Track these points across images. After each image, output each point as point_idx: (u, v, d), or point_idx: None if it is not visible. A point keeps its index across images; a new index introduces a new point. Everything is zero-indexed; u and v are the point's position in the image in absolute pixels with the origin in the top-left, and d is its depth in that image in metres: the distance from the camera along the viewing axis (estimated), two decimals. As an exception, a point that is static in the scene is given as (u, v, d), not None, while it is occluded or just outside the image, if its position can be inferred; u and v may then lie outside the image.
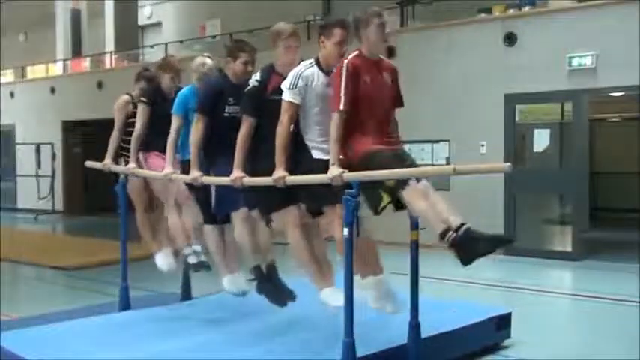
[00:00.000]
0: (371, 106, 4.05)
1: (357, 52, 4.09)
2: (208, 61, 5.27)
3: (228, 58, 4.78)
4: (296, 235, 4.33)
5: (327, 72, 4.17)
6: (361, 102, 4.01)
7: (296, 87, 4.12)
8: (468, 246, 3.74)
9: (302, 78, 4.13)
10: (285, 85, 4.17)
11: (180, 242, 5.42)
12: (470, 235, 3.76)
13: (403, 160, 3.99)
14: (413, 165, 4.03)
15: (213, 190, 4.83)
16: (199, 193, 4.97)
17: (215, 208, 4.86)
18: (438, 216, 3.82)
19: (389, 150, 4.01)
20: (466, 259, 3.76)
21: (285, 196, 4.24)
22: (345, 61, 4.00)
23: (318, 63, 4.20)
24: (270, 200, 4.35)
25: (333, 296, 4.20)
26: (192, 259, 5.34)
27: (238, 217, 4.71)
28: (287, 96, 4.14)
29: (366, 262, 4.19)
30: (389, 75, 4.20)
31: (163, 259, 5.77)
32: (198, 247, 5.32)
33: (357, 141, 4.02)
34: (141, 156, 5.58)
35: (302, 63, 4.23)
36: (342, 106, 3.93)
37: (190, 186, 4.98)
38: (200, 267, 5.35)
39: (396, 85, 4.25)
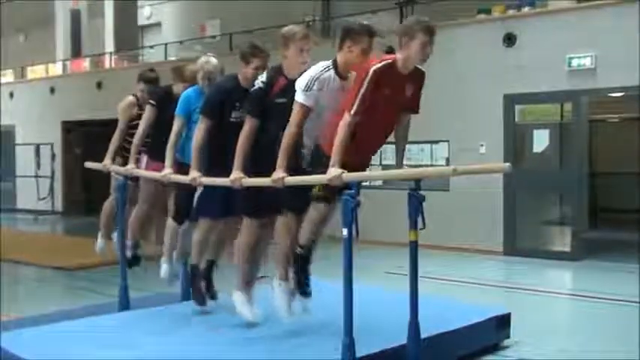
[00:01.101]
0: (374, 119, 3.97)
1: (390, 61, 3.92)
2: (213, 59, 5.20)
3: (241, 61, 4.70)
4: (248, 237, 4.65)
5: (343, 77, 4.10)
6: (368, 112, 3.91)
7: (310, 90, 4.04)
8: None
9: (318, 82, 4.05)
10: (299, 85, 4.09)
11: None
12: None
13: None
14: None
15: (197, 195, 5.04)
16: (181, 194, 5.20)
17: (195, 210, 5.11)
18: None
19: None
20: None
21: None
22: (373, 69, 3.85)
23: (335, 66, 4.12)
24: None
25: (243, 304, 4.78)
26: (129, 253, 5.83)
27: (206, 224, 5.02)
28: (300, 97, 4.07)
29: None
30: (412, 85, 4.05)
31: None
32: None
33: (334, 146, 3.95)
34: (144, 160, 5.58)
35: (319, 64, 4.15)
36: (354, 111, 3.85)
37: (179, 185, 5.13)
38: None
39: (417, 93, 4.12)
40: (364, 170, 4.20)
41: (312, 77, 4.07)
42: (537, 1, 10.36)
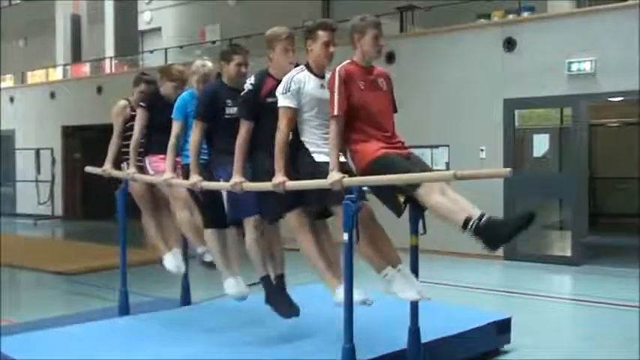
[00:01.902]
0: (370, 111, 4.07)
1: (349, 61, 4.14)
2: (208, 63, 5.30)
3: (222, 62, 4.84)
4: (303, 236, 4.31)
5: (318, 75, 4.21)
6: (360, 107, 4.04)
7: (289, 91, 4.15)
8: (493, 231, 3.70)
9: (294, 82, 4.16)
10: (279, 91, 4.20)
11: (193, 240, 5.40)
12: (493, 221, 3.73)
13: (412, 162, 4.02)
14: (422, 166, 4.07)
15: (224, 194, 4.73)
16: (200, 195, 4.94)
17: (229, 213, 4.74)
18: (459, 208, 3.82)
19: (396, 153, 4.02)
20: (493, 243, 3.74)
21: (290, 199, 4.24)
22: (337, 68, 4.05)
23: (308, 67, 4.24)
24: (277, 204, 4.35)
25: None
26: (207, 258, 5.28)
27: (250, 224, 4.60)
28: (282, 102, 4.17)
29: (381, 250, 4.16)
30: (383, 81, 4.25)
31: (172, 261, 5.70)
32: None
33: (362, 147, 4.04)
34: (146, 160, 5.58)
35: (293, 69, 4.27)
36: (336, 112, 3.97)
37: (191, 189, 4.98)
38: (214, 266, 5.26)
39: (391, 91, 4.29)
40: (406, 149, 4.19)
41: (287, 80, 4.19)
42: (537, 6, 10.39)
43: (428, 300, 4.14)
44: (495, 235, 3.70)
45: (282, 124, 4.14)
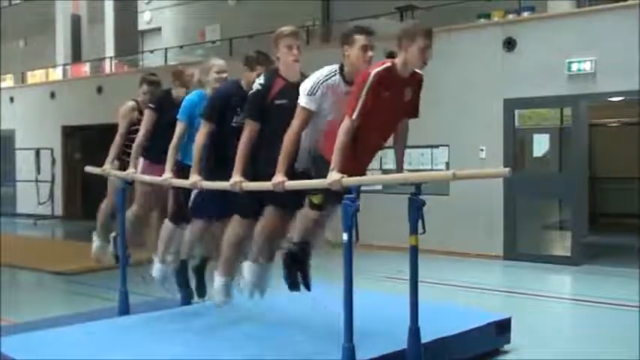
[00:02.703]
0: (375, 123, 3.97)
1: (389, 64, 3.93)
2: (221, 62, 5.17)
3: (245, 66, 4.73)
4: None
5: (349, 81, 4.08)
6: (368, 116, 3.91)
7: (314, 94, 4.05)
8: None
9: (323, 87, 4.06)
10: (304, 89, 4.09)
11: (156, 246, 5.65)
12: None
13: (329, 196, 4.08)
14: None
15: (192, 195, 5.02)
16: (179, 195, 5.17)
17: (192, 206, 5.07)
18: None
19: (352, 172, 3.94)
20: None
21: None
22: (373, 72, 3.86)
23: (342, 71, 4.12)
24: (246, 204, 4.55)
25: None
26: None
27: (199, 224, 5.10)
28: (303, 101, 4.07)
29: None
30: (411, 89, 4.07)
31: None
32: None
33: (334, 149, 3.95)
34: (140, 162, 5.58)
35: (325, 69, 4.15)
36: (354, 116, 3.86)
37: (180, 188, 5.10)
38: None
39: (415, 97, 4.13)
40: (363, 174, 4.18)
41: (317, 82, 4.07)
42: (537, 6, 10.39)
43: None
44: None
45: (296, 124, 4.07)
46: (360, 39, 4.05)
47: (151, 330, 5.08)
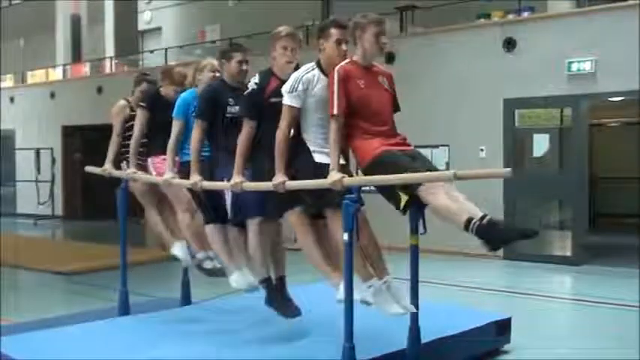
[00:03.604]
0: (371, 110, 4.04)
1: (348, 60, 4.09)
2: (215, 61, 5.20)
3: (222, 60, 4.84)
4: (303, 235, 4.29)
5: (328, 75, 4.13)
6: (360, 106, 4.01)
7: (296, 91, 4.10)
8: (494, 232, 3.68)
9: (302, 82, 4.11)
10: (285, 89, 4.15)
11: (193, 244, 5.41)
12: (495, 222, 3.71)
13: (415, 159, 3.98)
14: (426, 163, 4.01)
15: (228, 194, 4.68)
16: (200, 193, 4.91)
17: (231, 214, 4.72)
18: (461, 208, 3.79)
19: (398, 150, 4.00)
20: (493, 244, 3.72)
21: (289, 198, 4.22)
22: (336, 67, 4.01)
23: (319, 66, 4.18)
24: (277, 203, 4.35)
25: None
26: (207, 264, 5.32)
27: (252, 225, 4.58)
28: (287, 100, 4.13)
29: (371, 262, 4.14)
30: (385, 80, 4.21)
31: (180, 249, 5.62)
32: (212, 253, 5.29)
33: (363, 144, 4.01)
34: (149, 160, 5.58)
35: (303, 67, 4.22)
36: (335, 111, 3.94)
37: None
38: (214, 273, 5.33)
39: (392, 91, 4.25)
40: (410, 146, 4.15)
41: (295, 79, 4.13)
42: (537, 6, 10.39)
43: (414, 312, 4.15)
44: (496, 237, 3.68)
45: (284, 123, 4.11)
46: (334, 33, 4.13)
47: (151, 330, 5.08)
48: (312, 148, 4.16)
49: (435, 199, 3.79)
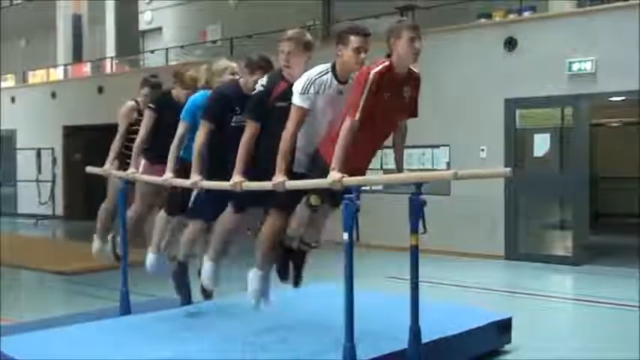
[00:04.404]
0: (373, 124, 3.98)
1: (387, 63, 3.95)
2: (234, 64, 5.16)
3: (246, 68, 4.74)
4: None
5: (341, 80, 4.10)
6: (368, 117, 3.91)
7: (307, 93, 4.05)
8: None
9: (315, 85, 4.06)
10: (296, 88, 4.10)
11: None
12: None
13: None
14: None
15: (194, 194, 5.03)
16: (177, 192, 5.20)
17: (192, 207, 5.12)
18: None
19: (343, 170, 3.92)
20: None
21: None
22: (373, 72, 3.87)
23: (334, 70, 4.12)
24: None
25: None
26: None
27: (197, 225, 5.15)
28: (297, 100, 4.08)
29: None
30: (409, 88, 4.09)
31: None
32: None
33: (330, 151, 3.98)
34: (142, 162, 5.58)
35: (317, 67, 4.15)
36: (357, 117, 3.86)
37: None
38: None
39: (414, 97, 4.15)
40: (362, 175, 4.18)
41: (308, 80, 4.08)
42: (538, 6, 10.39)
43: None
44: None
45: (291, 124, 4.07)
46: (354, 40, 4.03)
47: (151, 330, 5.07)
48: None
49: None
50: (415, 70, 4.10)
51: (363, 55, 4.04)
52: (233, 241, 5.00)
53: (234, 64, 5.15)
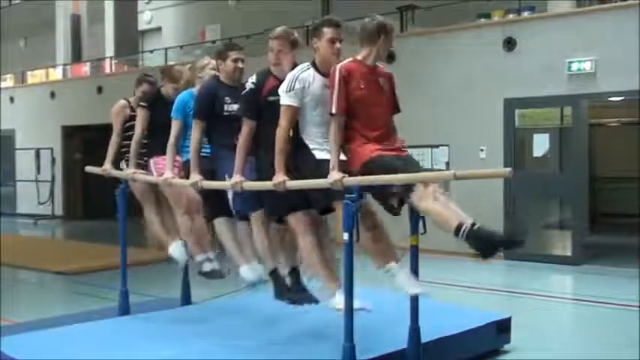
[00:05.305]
0: (369, 111, 4.06)
1: (352, 59, 4.11)
2: (214, 62, 5.20)
3: (219, 60, 4.89)
4: (305, 238, 4.30)
5: (324, 73, 4.18)
6: (359, 106, 4.03)
7: (293, 90, 4.14)
8: (484, 239, 3.75)
9: (299, 81, 4.14)
10: (282, 89, 4.19)
11: (192, 247, 5.39)
12: (484, 230, 3.75)
13: (407, 164, 3.98)
14: (418, 169, 4.01)
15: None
16: (206, 193, 4.92)
17: (234, 207, 4.71)
18: (451, 214, 3.79)
19: (392, 155, 4.00)
20: (484, 252, 3.81)
21: (293, 199, 4.23)
22: (338, 65, 4.04)
23: (314, 65, 4.22)
24: (280, 203, 4.34)
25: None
26: (206, 267, 5.31)
27: (255, 218, 4.60)
28: (285, 100, 4.16)
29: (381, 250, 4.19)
30: (386, 81, 4.23)
31: (177, 250, 5.62)
32: (211, 255, 5.31)
33: (358, 147, 4.03)
34: (151, 161, 5.58)
35: (298, 66, 4.25)
36: (334, 110, 3.98)
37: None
38: (214, 275, 5.32)
39: (393, 92, 4.27)
40: (405, 151, 4.16)
41: (291, 78, 4.17)
42: (537, 6, 10.39)
43: (427, 296, 4.19)
44: (486, 244, 3.76)
45: (283, 123, 4.13)
46: (328, 31, 4.17)
47: (151, 330, 5.08)
48: (311, 146, 4.17)
49: (426, 205, 3.80)
50: (382, 67, 4.26)
51: (338, 45, 4.18)
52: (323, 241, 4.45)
53: (213, 61, 5.20)
